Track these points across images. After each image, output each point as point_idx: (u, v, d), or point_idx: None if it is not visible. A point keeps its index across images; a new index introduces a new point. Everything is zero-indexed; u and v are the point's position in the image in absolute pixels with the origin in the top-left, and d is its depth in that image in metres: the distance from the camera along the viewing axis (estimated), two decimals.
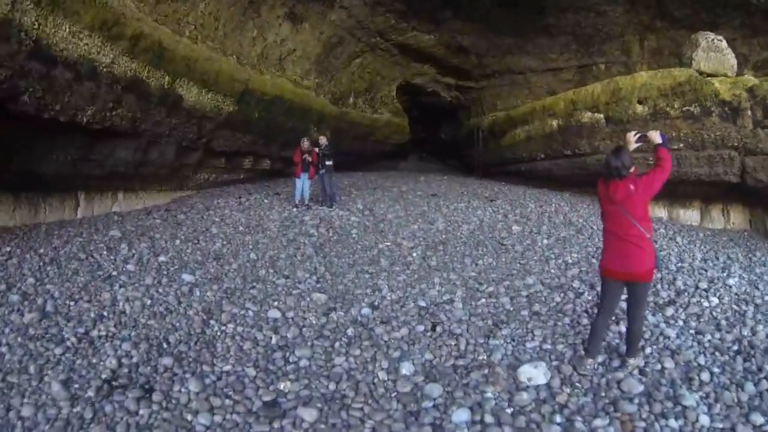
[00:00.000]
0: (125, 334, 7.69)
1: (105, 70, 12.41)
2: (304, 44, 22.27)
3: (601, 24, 23.69)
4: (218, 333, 8.00)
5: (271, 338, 7.94)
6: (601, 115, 19.53)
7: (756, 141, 15.33)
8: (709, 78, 16.56)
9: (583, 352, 6.99)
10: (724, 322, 8.05)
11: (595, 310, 7.59)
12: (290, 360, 7.29)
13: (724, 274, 10.67)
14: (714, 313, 8.44)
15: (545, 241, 13.77)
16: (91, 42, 11.80)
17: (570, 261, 11.88)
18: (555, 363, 6.94)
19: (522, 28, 24.99)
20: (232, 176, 21.06)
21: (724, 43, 17.62)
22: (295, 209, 16.91)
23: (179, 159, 17.16)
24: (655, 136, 6.91)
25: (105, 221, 14.43)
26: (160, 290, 9.53)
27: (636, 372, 6.61)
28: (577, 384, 6.45)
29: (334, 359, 7.35)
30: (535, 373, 6.54)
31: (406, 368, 6.98)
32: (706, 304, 8.82)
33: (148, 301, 8.92)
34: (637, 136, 6.96)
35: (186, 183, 19.04)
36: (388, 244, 13.57)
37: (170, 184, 18.32)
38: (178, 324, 8.17)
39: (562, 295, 9.58)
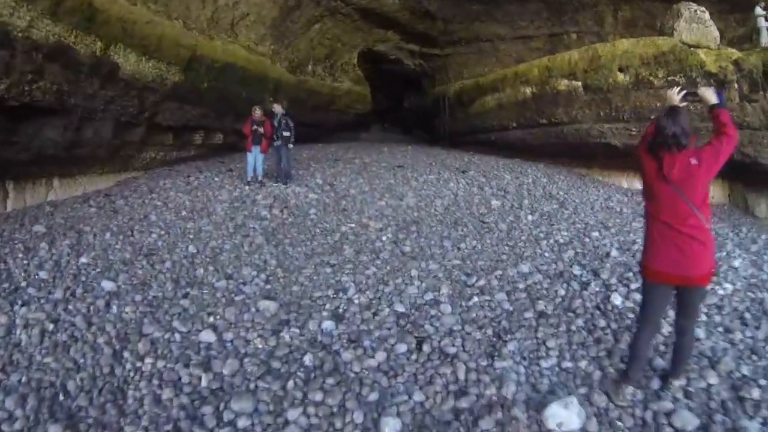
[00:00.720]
0: (13, 382, 5.58)
1: (20, 35, 10.26)
2: (258, 7, 20.04)
3: None
4: (131, 373, 5.81)
5: (200, 379, 5.71)
6: (579, 83, 18.12)
7: (743, 115, 14.31)
8: (693, 49, 15.46)
9: (617, 375, 5.43)
10: (748, 315, 7.03)
11: (623, 316, 6.37)
12: (225, 418, 5.12)
13: (725, 254, 9.87)
14: (734, 304, 7.43)
15: (530, 218, 12.46)
16: (1, 2, 9.70)
17: (561, 241, 10.71)
18: (583, 390, 5.34)
19: None
20: (183, 153, 18.87)
21: (707, 15, 16.53)
22: (247, 187, 14.93)
23: (119, 137, 14.97)
24: (710, 95, 4.83)
25: (35, 213, 12.14)
26: (70, 307, 7.30)
27: (681, 395, 5.17)
28: (618, 422, 4.88)
29: (287, 413, 5.20)
30: (566, 415, 4.83)
31: (390, 427, 4.94)
32: (721, 291, 7.81)
33: (51, 326, 6.69)
34: (683, 93, 4.94)
35: (131, 163, 16.80)
36: (353, 225, 11.86)
37: (113, 165, 16.09)
38: (82, 361, 5.99)
39: (565, 286, 8.08)
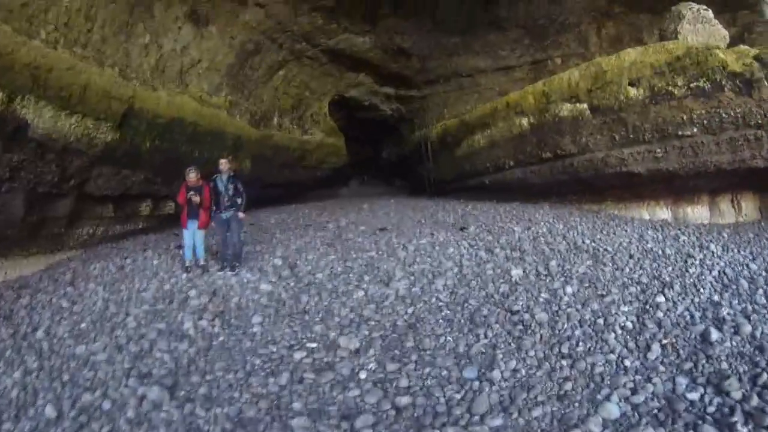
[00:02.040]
0: None
1: None
2: (211, 53, 17.12)
3: (556, 13, 21.32)
4: None
5: None
6: (585, 105, 15.17)
7: None
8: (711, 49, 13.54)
9: None
10: None
11: None
12: None
13: None
14: None
15: (568, 289, 8.97)
16: None
17: (629, 325, 7.40)
18: None
19: (469, 22, 21.34)
20: (129, 226, 15.31)
21: (711, 13, 15.01)
22: (185, 275, 10.91)
23: (37, 211, 11.58)
24: None
25: None
26: None
27: None
28: None
29: None
30: None
31: None
32: None
33: None
34: None
35: (64, 242, 13.25)
36: (314, 345, 7.66)
37: (41, 245, 12.56)
38: None
39: None
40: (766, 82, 12.50)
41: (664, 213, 15.33)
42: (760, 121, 12.73)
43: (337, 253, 12.33)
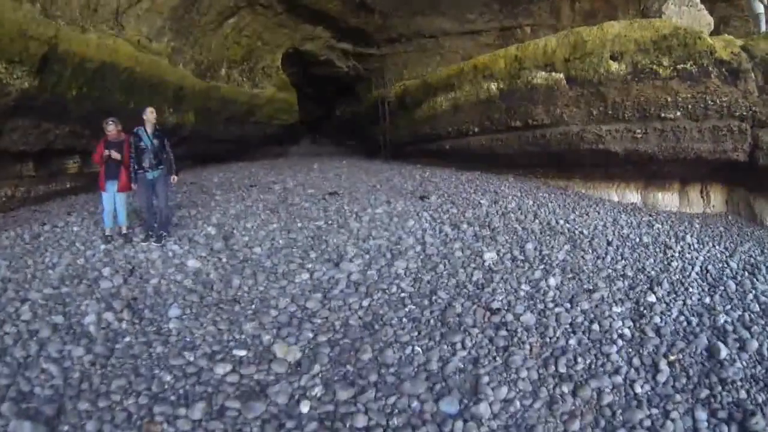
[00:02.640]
0: None
1: None
2: None
3: None
4: None
5: None
6: (561, 75, 13.72)
7: (765, 110, 11.81)
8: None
9: None
10: None
11: None
12: None
13: None
14: None
15: (551, 281, 7.64)
16: None
17: (627, 333, 6.37)
18: None
19: None
20: (54, 186, 13.15)
21: None
22: (103, 246, 8.98)
23: None
24: None
25: None
26: None
27: None
28: None
29: None
30: None
31: None
32: None
33: None
34: None
35: None
36: (242, 355, 5.81)
37: None
38: None
39: None
40: (752, 75, 11.83)
41: (633, 196, 14.27)
42: (744, 113, 11.98)
43: (281, 221, 10.55)
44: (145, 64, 14.70)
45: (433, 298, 7.14)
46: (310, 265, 8.25)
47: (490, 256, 8.54)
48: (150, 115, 9.53)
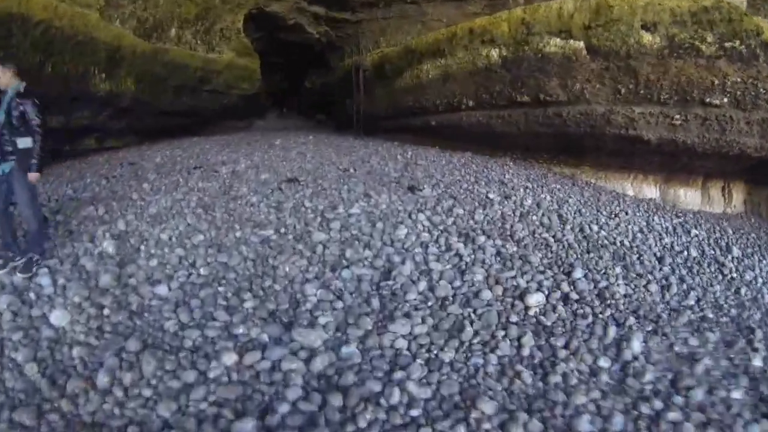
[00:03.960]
0: None
1: None
2: None
3: None
4: None
5: None
6: (581, 44, 10.45)
7: None
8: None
9: None
10: None
11: None
12: None
13: None
14: None
15: (635, 345, 4.52)
16: None
17: None
18: None
19: None
20: None
21: None
22: None
23: None
24: None
25: None
26: None
27: None
28: None
29: None
30: None
31: None
32: None
33: None
34: None
35: None
36: None
37: None
38: None
39: None
40: None
41: (651, 191, 11.51)
42: None
43: (212, 230, 6.70)
44: (66, 17, 10.95)
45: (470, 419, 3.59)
46: (240, 330, 4.56)
47: (535, 300, 5.11)
48: (4, 74, 5.41)
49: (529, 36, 11.24)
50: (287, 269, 5.56)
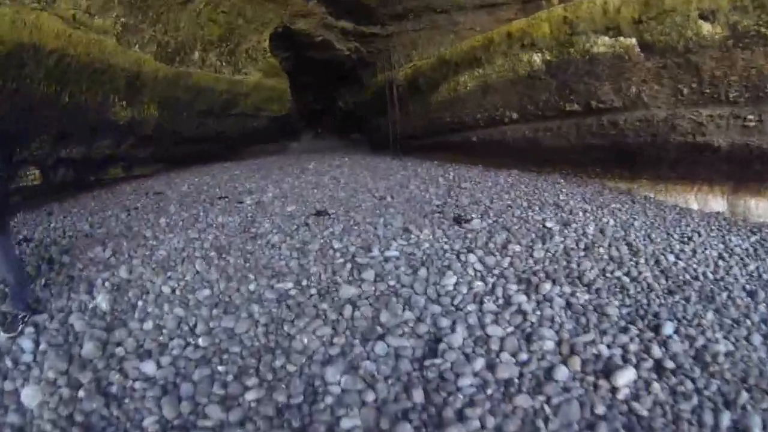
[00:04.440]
0: None
1: None
2: None
3: None
4: None
5: None
6: (632, 40, 8.99)
7: None
8: None
9: None
10: None
11: None
12: None
13: None
14: None
15: None
16: None
17: None
18: None
19: None
20: None
21: None
22: None
23: None
24: None
25: None
26: None
27: None
28: None
29: None
30: None
31: None
32: None
33: None
34: None
35: None
36: None
37: None
38: None
39: None
40: None
41: (718, 203, 9.61)
42: None
43: (222, 281, 5.51)
44: (81, 44, 10.16)
45: None
46: None
47: (625, 379, 3.76)
48: None
49: (573, 36, 9.84)
50: (305, 341, 4.29)
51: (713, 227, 8.13)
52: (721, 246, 7.13)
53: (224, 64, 15.90)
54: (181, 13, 13.81)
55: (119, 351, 4.28)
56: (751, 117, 8.32)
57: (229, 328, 4.53)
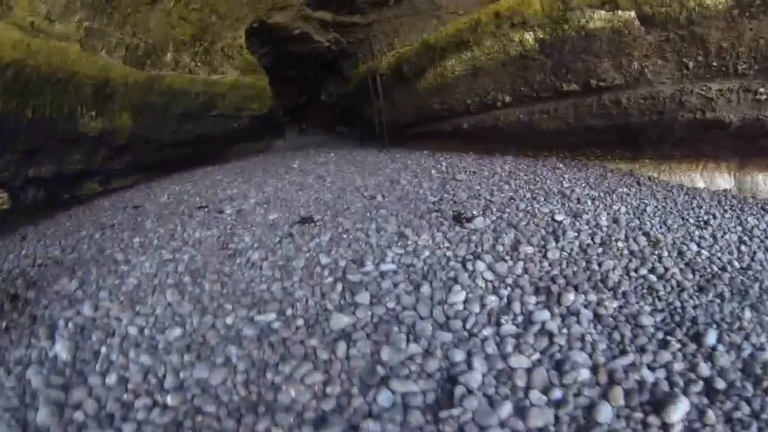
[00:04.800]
0: None
1: None
2: None
3: None
4: None
5: None
6: (631, 13, 8.18)
7: None
8: None
9: None
10: None
11: None
12: None
13: None
14: None
15: None
16: None
17: None
18: None
19: None
20: None
21: None
22: None
23: None
24: None
25: None
26: None
27: None
28: None
29: None
30: None
31: None
32: None
33: None
34: None
35: None
36: None
37: None
38: None
39: None
40: None
41: (725, 180, 8.97)
42: None
43: (194, 315, 4.70)
44: (42, 53, 9.25)
45: None
46: None
47: (679, 413, 3.06)
48: None
49: (567, 12, 9.00)
50: (293, 393, 3.49)
51: (726, 207, 7.46)
52: (739, 228, 6.46)
53: (199, 64, 15.00)
54: (149, 13, 12.92)
55: (78, 416, 3.53)
56: (762, 90, 7.60)
57: (203, 379, 3.76)
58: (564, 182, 8.44)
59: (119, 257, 6.58)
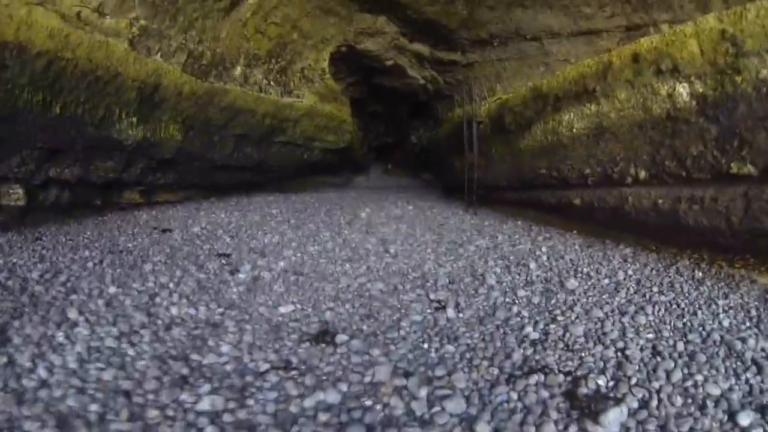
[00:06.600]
0: None
1: None
2: None
3: None
4: None
5: None
6: None
7: None
8: None
9: None
10: None
11: None
12: None
13: None
14: None
15: None
16: None
17: None
18: None
19: None
20: None
21: None
22: None
23: None
24: None
25: None
26: None
27: None
28: None
29: None
30: None
31: None
32: None
33: None
34: None
35: None
36: None
37: None
38: None
39: None
40: None
41: None
42: None
43: None
44: (81, 47, 8.02)
45: None
46: None
47: None
48: None
49: (739, 59, 6.07)
50: None
51: None
52: None
53: (272, 83, 12.94)
54: (222, 21, 11.08)
55: None
56: None
57: None
58: (720, 314, 5.13)
59: (72, 315, 4.44)
